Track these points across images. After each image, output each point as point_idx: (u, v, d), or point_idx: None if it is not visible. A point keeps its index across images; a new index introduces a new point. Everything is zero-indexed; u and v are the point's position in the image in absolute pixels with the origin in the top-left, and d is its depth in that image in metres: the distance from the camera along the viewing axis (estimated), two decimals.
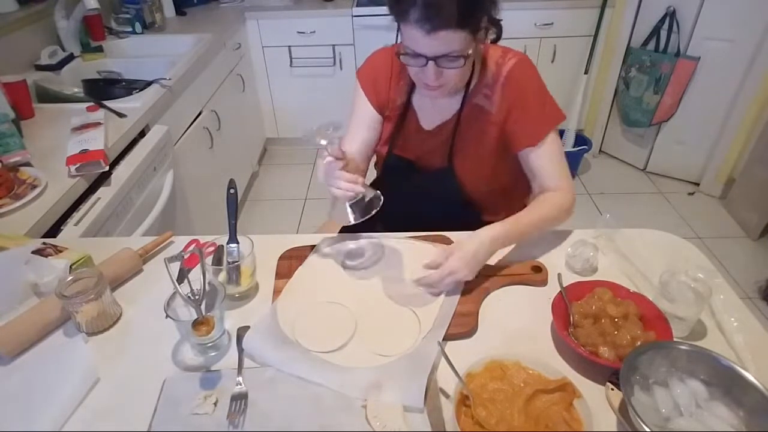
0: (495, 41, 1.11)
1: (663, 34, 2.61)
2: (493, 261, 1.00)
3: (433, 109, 1.15)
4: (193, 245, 1.04)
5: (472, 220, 1.14)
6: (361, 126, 1.19)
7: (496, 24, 1.05)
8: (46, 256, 0.94)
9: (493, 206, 1.22)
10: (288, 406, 0.74)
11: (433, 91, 1.03)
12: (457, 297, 0.91)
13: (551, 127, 1.06)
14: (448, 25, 0.90)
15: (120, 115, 1.57)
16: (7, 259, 0.94)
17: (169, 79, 1.83)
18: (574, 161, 2.94)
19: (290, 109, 3.14)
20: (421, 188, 1.20)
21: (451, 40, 0.92)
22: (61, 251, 0.96)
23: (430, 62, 0.95)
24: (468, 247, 0.91)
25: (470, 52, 0.94)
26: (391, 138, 1.20)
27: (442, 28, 0.90)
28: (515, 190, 1.24)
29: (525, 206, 1.38)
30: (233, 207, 0.98)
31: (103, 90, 1.87)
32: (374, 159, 1.28)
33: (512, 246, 1.03)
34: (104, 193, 1.31)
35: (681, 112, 2.71)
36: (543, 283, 0.96)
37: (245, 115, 2.85)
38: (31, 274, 0.92)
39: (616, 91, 2.93)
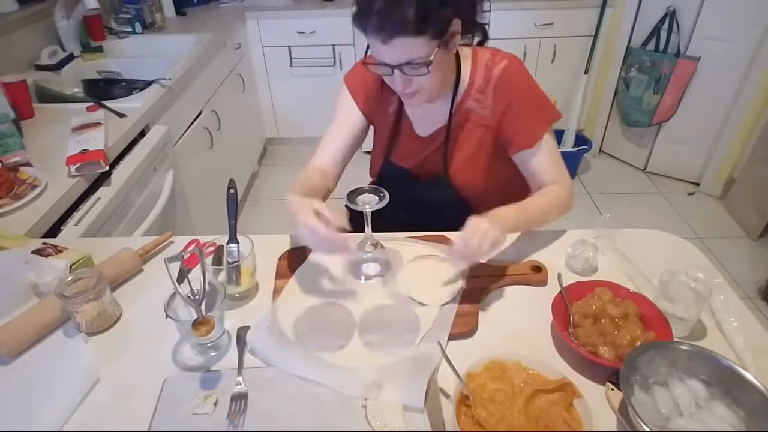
0: (481, 43, 1.11)
1: (663, 34, 2.61)
2: (493, 261, 1.00)
3: (426, 116, 1.14)
4: (193, 245, 1.04)
5: None
6: (343, 129, 1.16)
7: (478, 27, 1.05)
8: (46, 256, 0.94)
9: (491, 209, 1.21)
10: (288, 406, 0.74)
11: (410, 99, 1.02)
12: (458, 297, 0.91)
13: (546, 127, 1.06)
14: (404, 32, 0.88)
15: (120, 115, 1.57)
16: (7, 259, 0.94)
17: (169, 79, 1.83)
18: (574, 161, 2.94)
19: (290, 109, 3.14)
20: (418, 196, 1.19)
21: (409, 47, 0.90)
22: (61, 251, 0.96)
23: (396, 70, 0.94)
24: (486, 219, 0.86)
25: (432, 58, 0.92)
26: (386, 147, 1.19)
27: (398, 36, 0.89)
28: (513, 193, 1.23)
29: None
30: (233, 207, 0.98)
31: (103, 90, 1.87)
32: (369, 168, 1.28)
33: (511, 246, 1.04)
34: (104, 193, 1.30)
35: (681, 112, 2.71)
36: (543, 283, 0.96)
37: (245, 115, 2.85)
38: (31, 274, 0.92)
39: (616, 91, 2.93)
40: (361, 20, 0.92)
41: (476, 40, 1.10)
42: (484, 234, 0.83)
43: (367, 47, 0.96)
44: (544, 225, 1.05)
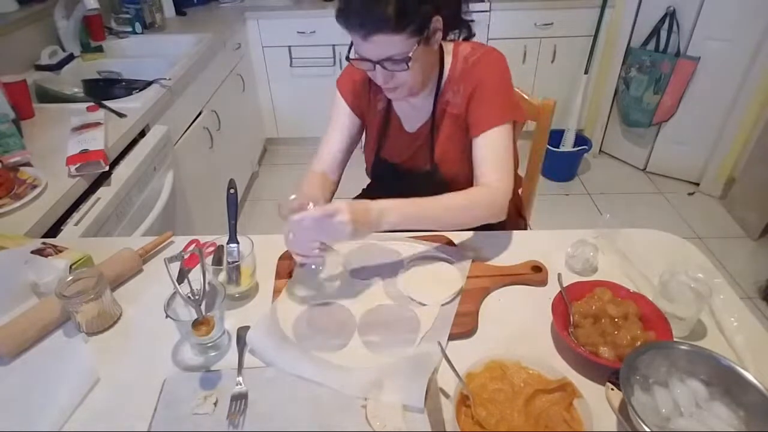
0: (467, 39, 1.12)
1: (663, 34, 2.61)
2: (492, 261, 1.00)
3: (413, 112, 1.16)
4: (193, 245, 1.04)
5: None
6: (338, 132, 1.20)
7: (462, 23, 1.06)
8: (46, 256, 0.94)
9: None
10: (288, 406, 0.74)
11: (392, 93, 1.05)
12: (458, 298, 0.91)
13: (500, 121, 1.04)
14: (383, 29, 0.91)
15: (120, 115, 1.57)
16: (7, 259, 0.94)
17: (169, 79, 1.83)
18: (574, 161, 2.94)
19: (290, 109, 3.14)
20: (411, 191, 1.19)
21: (389, 43, 0.93)
22: (61, 251, 0.96)
23: (377, 66, 0.97)
24: (361, 203, 0.88)
25: (411, 54, 0.94)
26: (377, 143, 1.21)
27: (377, 33, 0.91)
28: None
29: (519, 198, 1.39)
30: (233, 207, 0.98)
31: (103, 90, 1.87)
32: (363, 165, 1.29)
33: (512, 246, 1.04)
34: (104, 193, 1.30)
35: (681, 112, 2.71)
36: (543, 283, 0.96)
37: (245, 115, 2.85)
38: (31, 274, 0.92)
39: (616, 91, 2.93)
40: (343, 17, 0.94)
41: (462, 36, 1.12)
42: (336, 210, 0.84)
43: (351, 44, 0.99)
44: (457, 226, 1.01)
